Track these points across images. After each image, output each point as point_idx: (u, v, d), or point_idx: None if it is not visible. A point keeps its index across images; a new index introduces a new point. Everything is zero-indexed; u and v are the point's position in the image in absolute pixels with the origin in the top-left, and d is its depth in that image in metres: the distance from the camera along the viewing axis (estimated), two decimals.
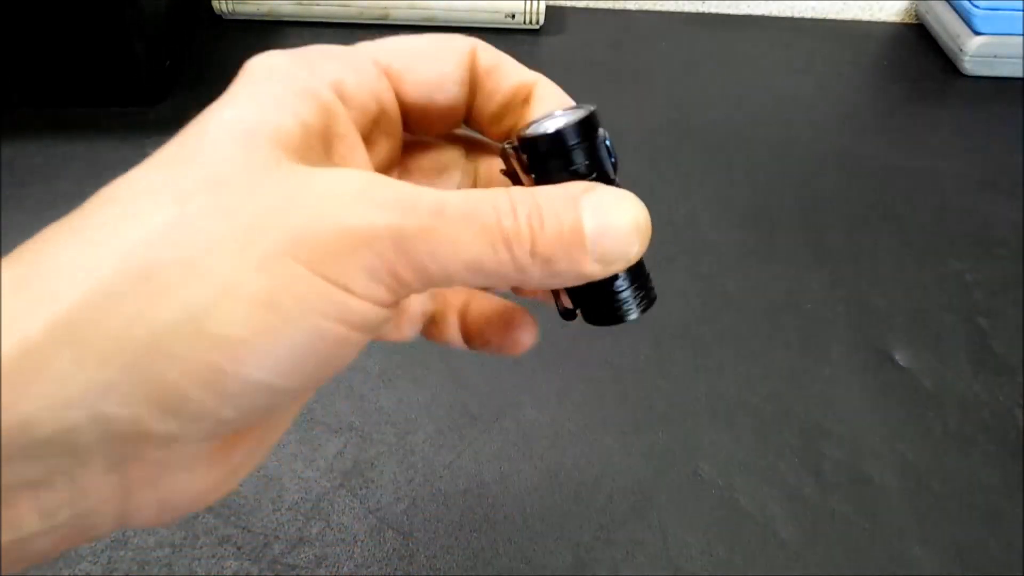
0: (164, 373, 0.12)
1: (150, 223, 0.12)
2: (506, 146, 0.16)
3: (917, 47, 0.75)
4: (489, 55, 0.17)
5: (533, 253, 0.14)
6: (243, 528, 0.35)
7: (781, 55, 0.73)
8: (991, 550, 0.36)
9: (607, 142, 0.16)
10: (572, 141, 0.15)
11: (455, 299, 0.20)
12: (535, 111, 0.17)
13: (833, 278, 0.50)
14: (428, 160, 0.18)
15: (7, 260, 0.13)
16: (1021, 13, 0.68)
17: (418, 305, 0.20)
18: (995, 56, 0.69)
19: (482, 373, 0.42)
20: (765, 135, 0.62)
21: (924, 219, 0.55)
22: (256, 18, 0.71)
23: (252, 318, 0.12)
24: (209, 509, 0.36)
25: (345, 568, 0.34)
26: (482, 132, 0.18)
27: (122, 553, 0.34)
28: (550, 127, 0.15)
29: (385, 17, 0.72)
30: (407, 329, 0.20)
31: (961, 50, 0.70)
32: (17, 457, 0.12)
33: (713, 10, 0.79)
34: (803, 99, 0.68)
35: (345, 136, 0.15)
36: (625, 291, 0.16)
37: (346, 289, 0.13)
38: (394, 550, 0.35)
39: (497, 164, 0.18)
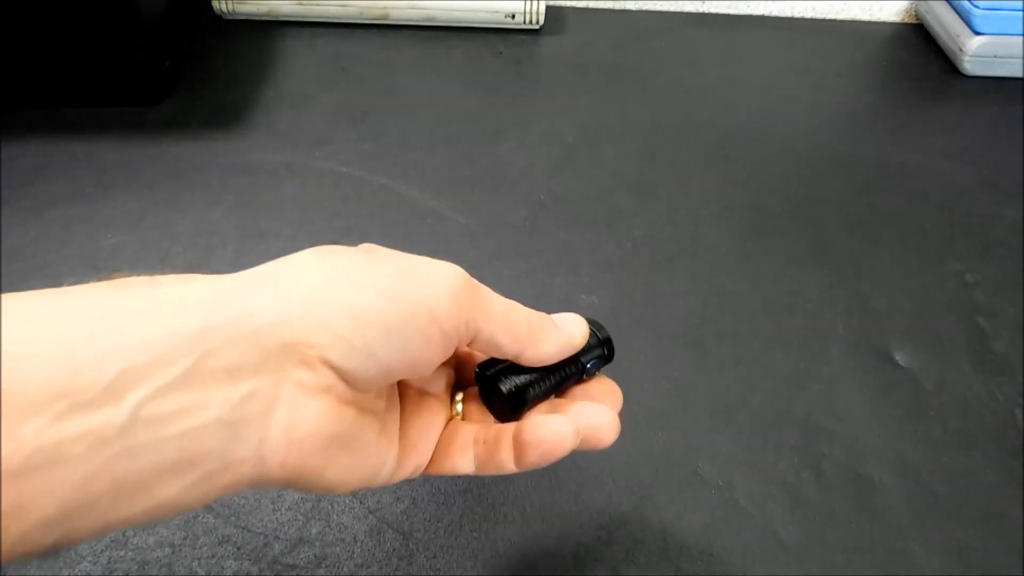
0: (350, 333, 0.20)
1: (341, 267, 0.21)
2: None
3: (917, 47, 0.75)
4: None
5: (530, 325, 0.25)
6: (243, 528, 0.35)
7: (781, 55, 0.74)
8: (991, 550, 0.36)
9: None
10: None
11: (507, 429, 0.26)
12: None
13: (833, 278, 0.50)
14: None
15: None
16: (1021, 13, 0.68)
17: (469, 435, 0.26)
18: (995, 56, 0.70)
19: None
20: (765, 135, 0.62)
21: (924, 219, 0.55)
22: (256, 18, 0.71)
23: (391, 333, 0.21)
24: (209, 509, 0.36)
25: (345, 568, 0.34)
26: None
27: (122, 553, 0.34)
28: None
29: (385, 17, 0.72)
30: (460, 461, 0.26)
31: (961, 50, 0.70)
32: (236, 342, 0.18)
33: (713, 10, 0.79)
34: (803, 99, 0.68)
35: None
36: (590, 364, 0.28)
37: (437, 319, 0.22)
38: (394, 550, 0.35)
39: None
